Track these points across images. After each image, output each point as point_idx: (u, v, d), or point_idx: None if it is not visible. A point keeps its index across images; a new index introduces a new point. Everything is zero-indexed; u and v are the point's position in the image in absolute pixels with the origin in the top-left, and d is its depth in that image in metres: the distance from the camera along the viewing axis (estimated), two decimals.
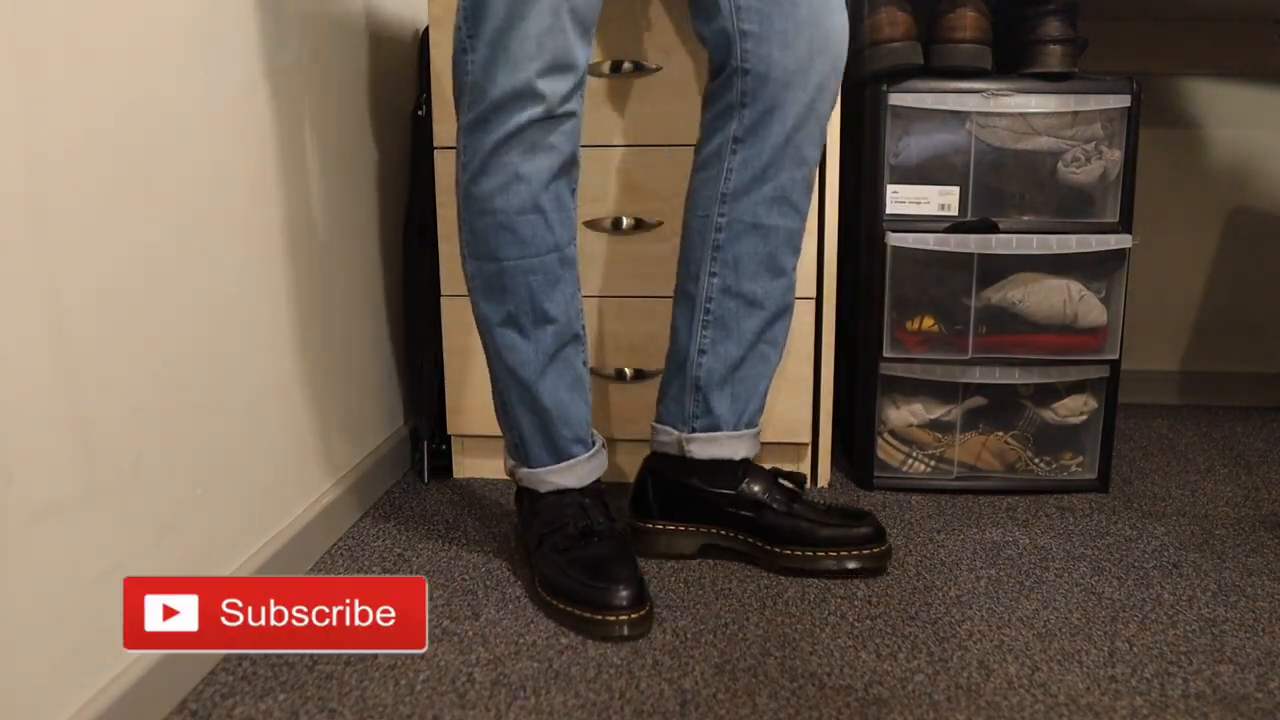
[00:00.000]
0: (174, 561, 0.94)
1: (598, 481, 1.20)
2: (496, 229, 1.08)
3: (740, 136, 1.14)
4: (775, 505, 1.19)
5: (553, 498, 1.16)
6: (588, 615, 1.04)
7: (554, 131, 1.05)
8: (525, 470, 1.18)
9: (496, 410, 1.19)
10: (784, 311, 1.21)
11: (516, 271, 1.09)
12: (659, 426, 1.24)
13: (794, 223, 1.17)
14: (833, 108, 1.16)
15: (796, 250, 1.19)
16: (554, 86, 1.02)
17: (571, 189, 1.11)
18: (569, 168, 1.08)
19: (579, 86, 1.06)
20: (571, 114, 1.06)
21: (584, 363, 1.17)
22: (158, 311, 0.91)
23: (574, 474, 1.17)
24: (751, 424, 1.23)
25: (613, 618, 1.03)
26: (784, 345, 1.23)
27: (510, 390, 1.15)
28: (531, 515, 1.17)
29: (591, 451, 1.19)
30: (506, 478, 1.51)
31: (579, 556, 1.10)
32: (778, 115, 1.12)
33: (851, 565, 1.16)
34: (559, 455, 1.16)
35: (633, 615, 1.03)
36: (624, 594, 1.04)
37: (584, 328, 1.17)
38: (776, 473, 1.23)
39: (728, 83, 1.14)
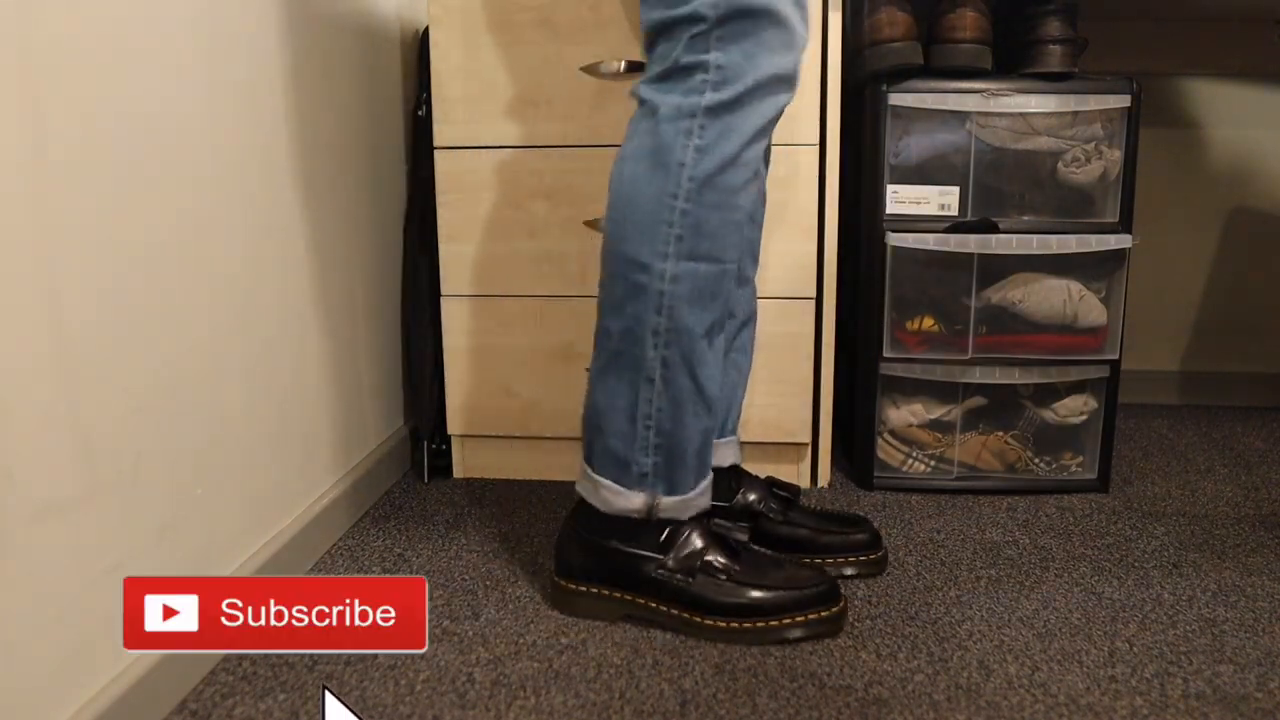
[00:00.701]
0: (174, 561, 0.94)
1: None
2: (734, 227, 0.98)
3: None
4: (771, 514, 1.19)
5: (677, 528, 1.04)
6: (823, 614, 1.02)
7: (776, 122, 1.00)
8: (671, 499, 1.03)
9: (645, 436, 1.02)
10: (751, 318, 1.23)
11: (728, 275, 1.00)
12: None
13: (753, 233, 1.19)
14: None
15: (756, 259, 1.21)
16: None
17: None
18: None
19: None
20: None
21: None
22: (158, 311, 0.91)
23: (710, 494, 1.08)
24: (733, 430, 1.24)
25: (837, 607, 1.03)
26: (752, 353, 1.25)
27: (688, 406, 1.01)
28: (662, 548, 1.04)
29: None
30: (506, 477, 1.52)
31: (759, 571, 1.04)
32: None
33: (849, 572, 1.16)
34: (703, 473, 1.05)
35: (844, 603, 1.04)
36: (828, 585, 1.04)
37: None
38: (771, 482, 1.23)
39: None
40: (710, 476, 1.07)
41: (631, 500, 1.03)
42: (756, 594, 1.01)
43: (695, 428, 1.02)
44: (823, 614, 1.02)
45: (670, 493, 1.03)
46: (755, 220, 1.20)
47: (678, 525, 1.04)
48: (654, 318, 0.98)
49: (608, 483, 1.04)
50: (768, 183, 1.34)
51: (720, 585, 1.02)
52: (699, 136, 0.95)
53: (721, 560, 1.03)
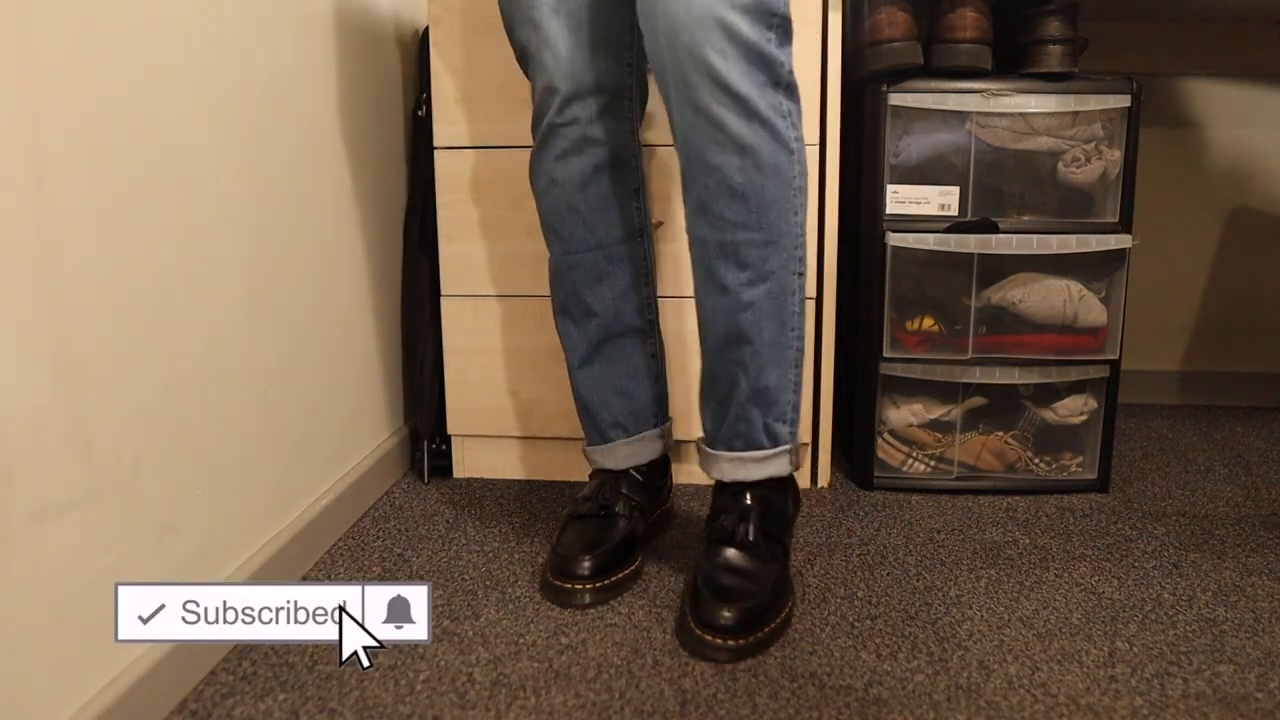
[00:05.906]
0: (174, 561, 0.94)
1: (648, 465, 1.24)
2: (545, 227, 1.16)
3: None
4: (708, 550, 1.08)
5: (599, 474, 1.23)
6: (554, 581, 1.11)
7: (578, 138, 1.09)
8: (586, 446, 1.25)
9: None
10: (736, 338, 1.04)
11: (562, 265, 1.16)
12: None
13: (723, 234, 1.00)
14: (721, 104, 0.95)
15: (740, 264, 1.01)
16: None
17: (632, 188, 1.15)
18: (615, 167, 1.12)
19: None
20: (591, 119, 1.09)
21: (653, 355, 1.22)
22: (158, 312, 0.91)
23: (611, 457, 1.22)
24: (730, 446, 1.09)
25: (569, 585, 1.09)
26: (754, 372, 1.05)
27: (568, 372, 1.22)
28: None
29: (634, 437, 1.22)
30: (506, 477, 1.52)
31: (568, 536, 1.15)
32: (673, 117, 1.01)
33: (699, 649, 0.99)
34: (600, 435, 1.22)
35: (589, 585, 1.09)
36: (586, 564, 1.10)
37: (651, 321, 1.21)
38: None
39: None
40: (612, 445, 1.22)
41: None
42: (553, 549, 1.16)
43: (575, 388, 1.22)
44: (553, 581, 1.11)
45: (586, 441, 1.25)
46: (727, 219, 0.99)
47: (592, 470, 1.25)
48: None
49: None
50: None
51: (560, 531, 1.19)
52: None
53: (569, 515, 1.20)
